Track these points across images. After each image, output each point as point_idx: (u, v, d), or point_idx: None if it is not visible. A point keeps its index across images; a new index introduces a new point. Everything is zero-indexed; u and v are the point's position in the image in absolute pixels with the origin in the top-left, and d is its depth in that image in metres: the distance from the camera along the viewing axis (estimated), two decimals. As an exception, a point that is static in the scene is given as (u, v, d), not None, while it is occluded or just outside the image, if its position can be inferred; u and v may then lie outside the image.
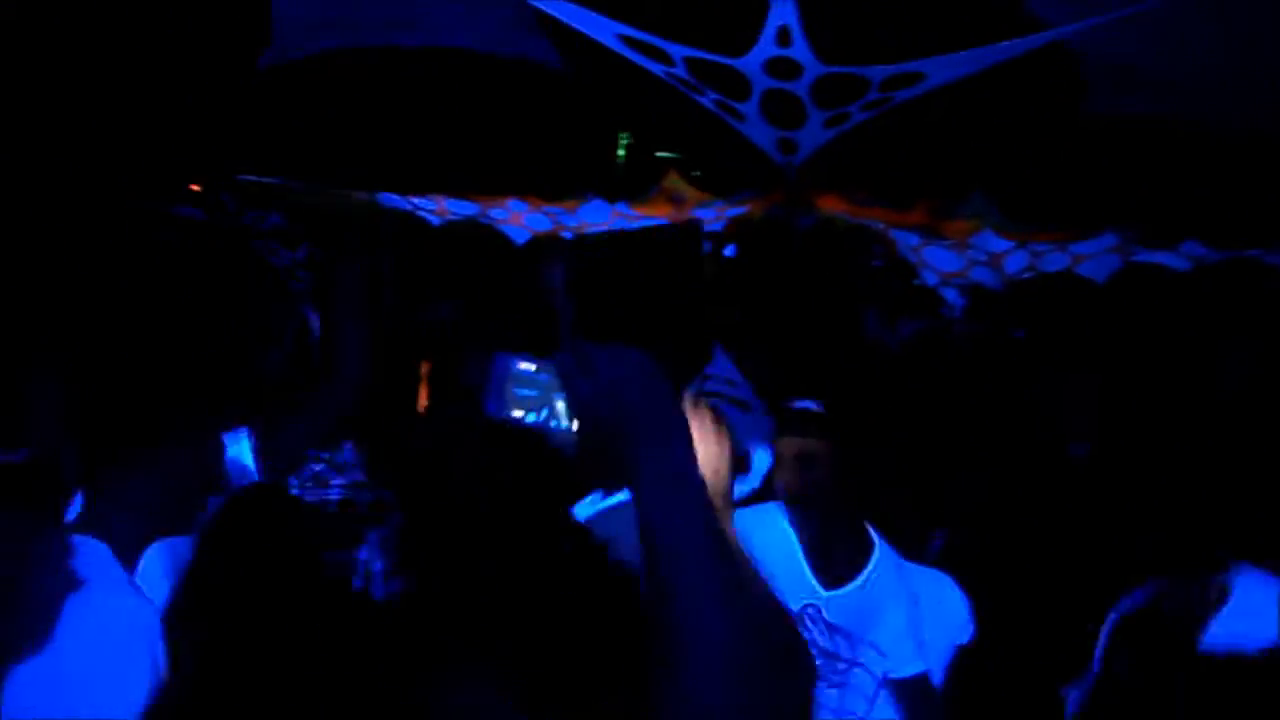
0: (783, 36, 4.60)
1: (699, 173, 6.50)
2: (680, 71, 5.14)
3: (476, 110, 6.11)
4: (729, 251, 6.54)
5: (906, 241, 5.89)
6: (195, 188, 6.04)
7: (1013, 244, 5.67)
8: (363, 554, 2.91)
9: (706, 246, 6.29)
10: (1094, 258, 5.51)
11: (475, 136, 6.20)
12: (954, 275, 5.86)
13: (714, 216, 6.14)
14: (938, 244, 5.85)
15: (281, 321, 5.69)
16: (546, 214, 5.86)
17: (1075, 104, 5.04)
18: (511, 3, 4.90)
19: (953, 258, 5.84)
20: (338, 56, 5.37)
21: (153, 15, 4.78)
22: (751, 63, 4.85)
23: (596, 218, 5.94)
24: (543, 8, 4.93)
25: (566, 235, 5.88)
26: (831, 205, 5.95)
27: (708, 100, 5.38)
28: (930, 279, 5.93)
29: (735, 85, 5.10)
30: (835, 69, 4.77)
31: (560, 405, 1.21)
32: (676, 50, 4.94)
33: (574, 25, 5.06)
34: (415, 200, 5.51)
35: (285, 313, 5.81)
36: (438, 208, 5.58)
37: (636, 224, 6.10)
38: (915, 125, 5.36)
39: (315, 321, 6.07)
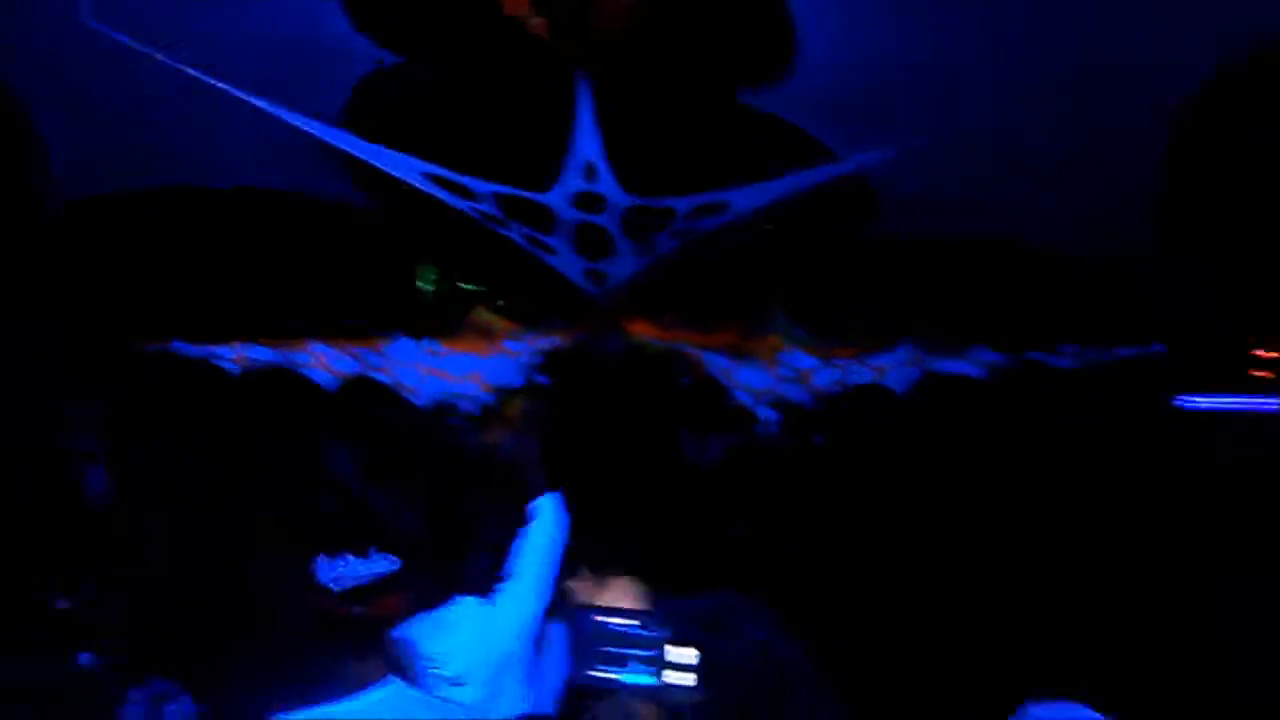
0: (589, 172, 4.66)
1: (503, 302, 6.44)
2: (486, 207, 5.11)
3: (273, 249, 5.88)
4: (543, 380, 6.50)
5: (717, 363, 6.02)
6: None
7: (818, 360, 5.89)
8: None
9: (521, 377, 6.23)
10: (893, 369, 5.79)
11: (271, 277, 5.95)
12: (766, 392, 6.03)
13: (524, 348, 6.09)
14: (748, 363, 6.00)
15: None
16: (352, 355, 5.65)
17: (868, 226, 5.33)
18: (313, 141, 4.77)
19: (763, 375, 6.00)
20: (127, 196, 5.09)
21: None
22: (558, 197, 4.88)
23: (406, 356, 5.78)
24: (344, 149, 4.83)
25: (380, 378, 5.70)
26: (641, 330, 6.02)
27: (515, 234, 5.37)
28: (744, 398, 6.07)
29: (543, 219, 5.12)
30: (642, 201, 4.86)
31: (660, 660, 1.17)
32: (482, 186, 4.92)
33: (377, 165, 4.97)
34: (211, 348, 5.22)
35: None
36: (235, 355, 5.30)
37: (445, 359, 5.98)
38: (720, 251, 5.52)
39: (99, 484, 5.61)
